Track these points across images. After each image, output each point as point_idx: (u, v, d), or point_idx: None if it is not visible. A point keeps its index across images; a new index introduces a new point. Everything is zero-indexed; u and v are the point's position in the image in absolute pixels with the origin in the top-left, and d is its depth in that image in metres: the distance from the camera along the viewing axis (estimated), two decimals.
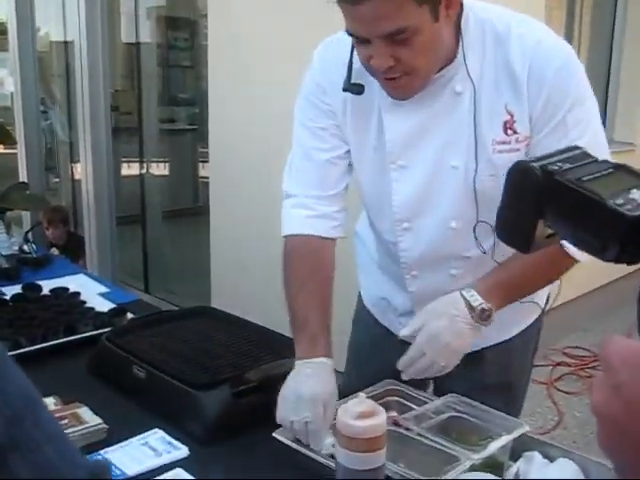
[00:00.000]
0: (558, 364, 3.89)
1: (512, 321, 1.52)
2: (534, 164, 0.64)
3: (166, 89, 5.37)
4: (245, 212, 3.41)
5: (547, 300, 1.59)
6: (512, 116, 1.29)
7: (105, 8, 4.35)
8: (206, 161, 4.19)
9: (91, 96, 4.32)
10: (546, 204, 0.63)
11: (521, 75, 1.26)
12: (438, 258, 1.43)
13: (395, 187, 1.39)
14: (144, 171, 4.98)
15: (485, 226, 1.32)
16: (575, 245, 0.61)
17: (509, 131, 1.30)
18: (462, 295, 1.29)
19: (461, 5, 1.26)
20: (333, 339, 1.34)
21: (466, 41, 1.28)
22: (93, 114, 4.32)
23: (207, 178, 3.99)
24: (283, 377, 1.32)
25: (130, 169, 5.21)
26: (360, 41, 1.22)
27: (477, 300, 1.29)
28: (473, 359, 1.42)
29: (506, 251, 1.30)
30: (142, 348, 1.47)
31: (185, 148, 5.78)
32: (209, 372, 1.36)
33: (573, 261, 1.29)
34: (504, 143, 1.30)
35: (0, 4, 6.75)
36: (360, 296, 1.71)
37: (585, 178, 0.61)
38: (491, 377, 1.56)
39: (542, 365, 3.78)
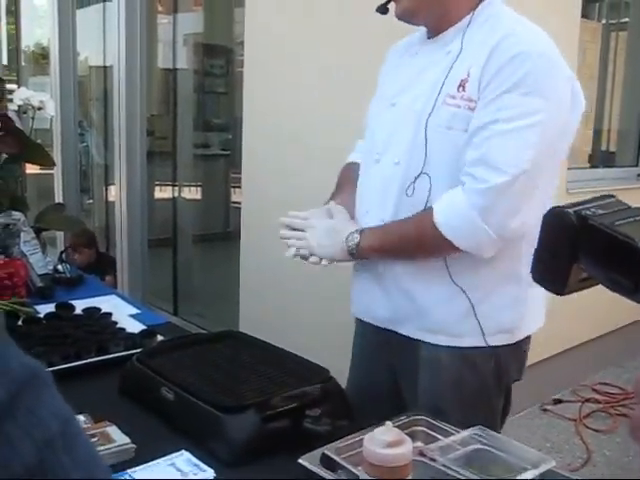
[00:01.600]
0: (587, 400, 3.83)
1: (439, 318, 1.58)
2: (569, 210, 0.67)
3: (201, 115, 5.44)
4: (275, 239, 3.44)
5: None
6: (468, 76, 1.45)
7: (144, 34, 4.44)
8: (238, 186, 4.24)
9: (128, 120, 4.41)
10: (580, 248, 0.65)
11: (489, 45, 1.43)
12: (380, 198, 1.59)
13: (381, 121, 1.63)
14: (177, 195, 5.04)
15: (425, 181, 1.50)
16: (608, 287, 0.63)
17: (460, 88, 1.45)
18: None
19: None
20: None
21: (476, 17, 1.50)
22: (129, 138, 4.41)
23: (238, 203, 4.03)
24: (310, 404, 1.33)
25: (163, 192, 5.28)
26: None
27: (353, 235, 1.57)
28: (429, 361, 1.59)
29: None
30: (171, 370, 1.48)
31: (217, 173, 5.84)
32: (236, 396, 1.37)
33: (450, 246, 1.46)
34: (453, 97, 1.46)
35: (42, 29, 6.95)
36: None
37: (618, 223, 0.64)
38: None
39: (571, 401, 3.73)
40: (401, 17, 1.57)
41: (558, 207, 0.69)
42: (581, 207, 0.67)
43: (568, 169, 3.35)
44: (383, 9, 1.62)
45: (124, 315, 1.99)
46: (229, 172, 5.63)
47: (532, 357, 1.73)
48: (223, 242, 5.35)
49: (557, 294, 0.70)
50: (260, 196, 3.57)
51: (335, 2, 3.09)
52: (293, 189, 3.30)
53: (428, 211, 1.48)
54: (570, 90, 1.47)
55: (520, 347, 1.63)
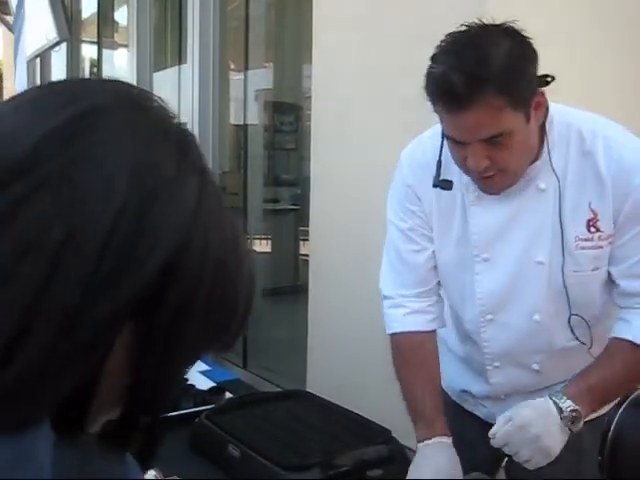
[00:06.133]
0: None
1: None
2: None
3: (271, 170, 5.54)
4: (343, 292, 3.47)
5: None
6: (596, 215, 1.34)
7: (217, 92, 4.57)
8: (307, 239, 4.28)
9: None
10: None
11: (606, 176, 1.32)
12: (522, 351, 1.45)
13: (479, 280, 1.44)
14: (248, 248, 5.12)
15: (579, 320, 1.37)
16: None
17: (592, 229, 1.34)
18: (552, 399, 1.31)
19: (546, 107, 1.33)
20: None
21: (551, 140, 1.35)
22: None
23: (307, 256, 4.07)
24: (373, 463, 1.35)
25: None
26: (456, 142, 1.30)
27: (567, 403, 1.29)
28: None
29: (603, 344, 1.36)
30: (238, 428, 1.53)
31: (287, 227, 5.92)
32: (300, 455, 1.41)
33: None
34: (587, 240, 1.35)
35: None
36: None
37: None
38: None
39: None
40: (496, 193, 1.39)
41: None
42: None
43: None
44: (445, 184, 1.39)
45: (194, 371, 2.05)
46: (298, 226, 5.70)
47: None
48: (292, 295, 5.38)
49: None
50: (327, 250, 3.61)
51: (401, 60, 3.16)
52: (361, 242, 3.33)
53: (625, 348, 1.36)
54: None
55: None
